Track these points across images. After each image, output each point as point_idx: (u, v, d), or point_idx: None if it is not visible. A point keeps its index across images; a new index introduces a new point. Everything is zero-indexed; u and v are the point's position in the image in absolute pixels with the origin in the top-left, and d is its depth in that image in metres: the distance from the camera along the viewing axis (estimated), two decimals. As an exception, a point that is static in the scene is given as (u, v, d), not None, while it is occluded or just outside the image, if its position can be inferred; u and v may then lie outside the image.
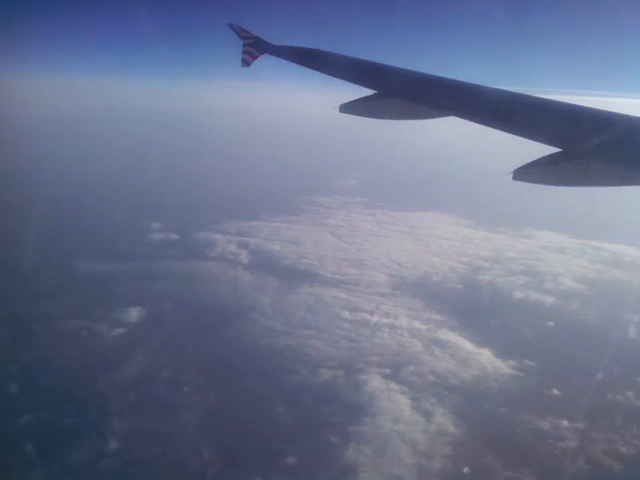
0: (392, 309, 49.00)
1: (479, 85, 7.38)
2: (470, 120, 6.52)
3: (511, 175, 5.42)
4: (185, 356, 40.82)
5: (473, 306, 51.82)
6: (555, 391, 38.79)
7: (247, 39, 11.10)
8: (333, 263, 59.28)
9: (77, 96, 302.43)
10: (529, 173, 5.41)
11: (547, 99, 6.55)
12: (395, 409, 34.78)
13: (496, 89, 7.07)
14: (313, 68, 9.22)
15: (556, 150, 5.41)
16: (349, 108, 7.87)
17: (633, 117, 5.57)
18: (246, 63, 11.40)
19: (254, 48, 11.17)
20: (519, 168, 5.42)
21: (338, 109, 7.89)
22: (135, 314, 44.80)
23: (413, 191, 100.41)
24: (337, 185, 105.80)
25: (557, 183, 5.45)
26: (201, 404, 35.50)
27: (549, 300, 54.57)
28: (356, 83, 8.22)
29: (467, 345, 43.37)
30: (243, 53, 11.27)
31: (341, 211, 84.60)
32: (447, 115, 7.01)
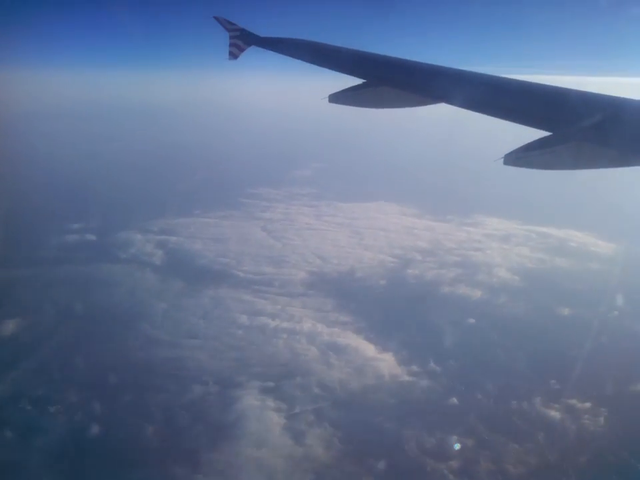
0: (299, 310, 45.00)
1: (467, 71, 7.37)
2: (459, 106, 6.52)
3: (502, 160, 5.35)
4: (58, 372, 36.75)
5: (393, 304, 48.09)
6: (454, 400, 34.84)
7: (233, 31, 11.08)
8: (251, 262, 55.19)
9: (53, 90, 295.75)
10: (519, 157, 5.31)
11: (535, 83, 6.58)
12: (263, 431, 30.81)
13: (484, 75, 7.11)
14: (300, 59, 9.12)
15: (546, 134, 5.39)
16: (338, 98, 7.77)
17: (621, 98, 5.60)
18: (233, 55, 11.36)
19: (241, 40, 11.13)
20: (509, 153, 5.32)
21: (327, 99, 7.76)
22: (10, 326, 40.47)
23: (369, 180, 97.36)
24: (292, 175, 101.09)
25: (548, 166, 5.41)
26: (64, 426, 31.60)
27: (476, 294, 50.36)
28: (344, 72, 8.11)
29: (369, 350, 39.48)
30: (230, 45, 11.22)
31: (282, 203, 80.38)
32: (437, 102, 7.02)
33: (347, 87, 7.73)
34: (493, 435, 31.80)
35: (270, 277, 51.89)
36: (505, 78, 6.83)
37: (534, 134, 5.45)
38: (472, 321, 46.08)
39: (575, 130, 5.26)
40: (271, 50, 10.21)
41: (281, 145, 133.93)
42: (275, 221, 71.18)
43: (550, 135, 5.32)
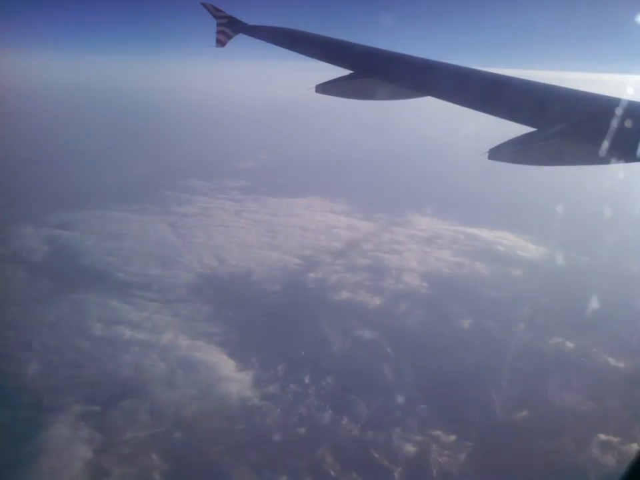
0: (166, 319, 40.17)
1: (455, 65, 7.46)
2: (446, 100, 6.53)
3: (486, 154, 5.45)
4: None
5: (280, 311, 43.82)
6: (301, 430, 30.17)
7: (220, 18, 11.25)
8: (139, 261, 50.28)
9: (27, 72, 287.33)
10: (503, 152, 5.46)
11: (521, 79, 6.55)
12: (59, 469, 25.72)
13: (471, 69, 7.27)
14: (288, 48, 9.20)
15: (531, 129, 5.47)
16: (325, 88, 7.90)
17: (606, 96, 5.60)
18: (220, 43, 11.46)
19: (228, 28, 11.32)
20: (493, 147, 5.46)
21: (314, 89, 7.90)
22: None
23: (311, 174, 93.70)
24: (233, 167, 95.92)
25: (531, 162, 5.55)
26: None
27: (375, 302, 45.78)
28: (332, 62, 8.19)
29: (227, 368, 34.93)
30: (217, 32, 11.37)
31: (206, 197, 75.48)
32: (424, 95, 7.04)
33: (334, 78, 7.76)
34: (339, 475, 27.12)
35: (151, 279, 47.05)
36: (492, 73, 6.87)
37: (519, 129, 5.53)
38: (362, 332, 41.45)
39: (560, 126, 5.37)
40: (259, 38, 10.10)
41: (240, 134, 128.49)
42: (189, 216, 66.33)
43: (535, 131, 5.45)
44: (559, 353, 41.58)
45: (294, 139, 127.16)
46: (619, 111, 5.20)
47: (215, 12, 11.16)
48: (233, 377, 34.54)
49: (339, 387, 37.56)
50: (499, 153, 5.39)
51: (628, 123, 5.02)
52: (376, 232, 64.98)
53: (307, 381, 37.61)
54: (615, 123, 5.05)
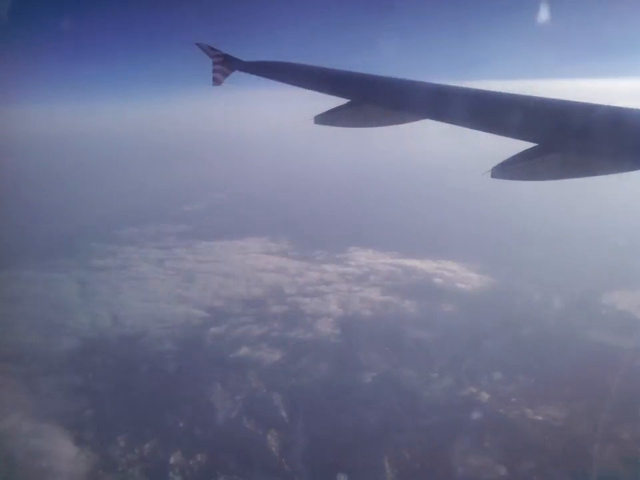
0: (20, 397, 35.00)
1: (449, 86, 7.45)
2: (443, 121, 6.57)
3: (489, 172, 5.48)
4: None
5: (167, 376, 39.12)
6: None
7: (216, 57, 11.31)
8: (22, 328, 45.49)
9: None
10: (506, 170, 5.45)
11: (517, 95, 6.55)
12: None
13: (467, 88, 7.19)
14: (284, 81, 9.26)
15: (531, 145, 5.48)
16: (324, 119, 7.93)
17: (605, 106, 5.53)
18: (217, 81, 11.52)
19: (224, 66, 11.35)
20: (496, 165, 5.49)
21: (313, 120, 7.93)
22: None
23: (261, 212, 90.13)
24: (179, 210, 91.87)
25: (535, 177, 5.54)
26: None
27: (275, 357, 40.70)
28: (328, 93, 8.18)
29: (65, 456, 29.37)
30: (214, 71, 11.43)
31: (135, 246, 71.09)
32: (421, 118, 7.09)
33: (332, 108, 7.82)
34: None
35: (25, 349, 42.06)
36: (487, 91, 6.88)
37: (513, 147, 5.47)
38: (254, 394, 36.71)
39: (561, 140, 5.37)
40: (255, 74, 10.26)
41: (210, 172, 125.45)
42: (104, 270, 61.65)
43: (536, 146, 5.42)
44: (473, 404, 36.04)
45: (266, 174, 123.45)
46: (620, 120, 5.24)
47: (210, 51, 11.23)
48: (62, 470, 29.04)
49: (209, 466, 32.36)
50: (501, 170, 5.42)
51: (630, 132, 5.08)
52: (306, 272, 60.26)
53: (172, 460, 32.44)
54: (616, 133, 5.14)
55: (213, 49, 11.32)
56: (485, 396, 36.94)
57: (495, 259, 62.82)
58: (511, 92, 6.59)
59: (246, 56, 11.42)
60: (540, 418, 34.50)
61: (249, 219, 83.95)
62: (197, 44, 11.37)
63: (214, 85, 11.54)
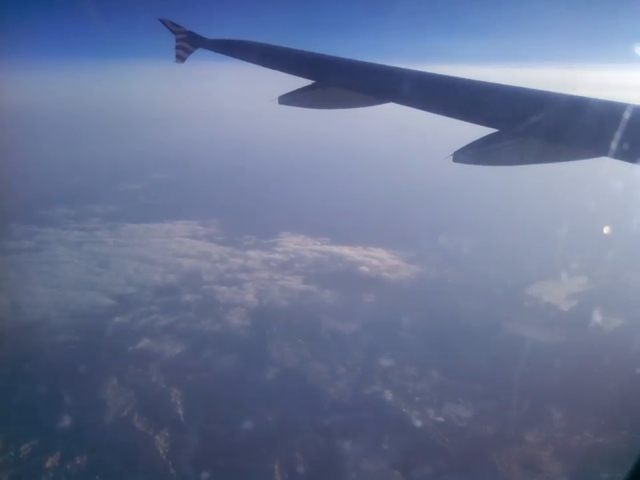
0: None
1: (415, 70, 7.49)
2: (408, 105, 6.59)
3: (451, 157, 5.52)
4: None
5: (58, 370, 37.50)
6: None
7: (179, 33, 11.15)
8: None
9: None
10: (467, 154, 5.54)
11: (481, 82, 6.65)
12: None
13: (432, 74, 7.25)
14: (248, 61, 9.30)
15: (492, 131, 5.58)
16: (288, 99, 7.89)
17: (563, 94, 5.70)
18: (180, 58, 11.41)
19: (187, 42, 11.18)
20: (458, 150, 5.55)
21: (277, 100, 7.84)
22: None
23: (195, 194, 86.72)
24: (115, 189, 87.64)
25: (495, 162, 5.59)
26: None
27: (176, 350, 38.31)
28: (293, 73, 8.27)
29: None
30: (177, 48, 11.26)
31: (55, 228, 67.10)
32: (386, 101, 7.09)
33: (296, 89, 7.78)
34: None
35: None
36: (451, 77, 7.00)
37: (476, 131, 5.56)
38: (150, 391, 34.35)
39: (522, 126, 5.43)
40: (219, 52, 10.22)
41: (155, 151, 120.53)
42: (15, 253, 57.87)
43: (497, 132, 5.56)
44: (378, 403, 34.39)
45: (215, 154, 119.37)
46: (579, 109, 5.50)
47: (173, 27, 11.15)
48: None
49: (89, 469, 29.93)
50: (463, 155, 5.51)
51: (588, 120, 5.23)
52: (229, 258, 57.85)
53: (48, 464, 29.92)
54: (575, 120, 5.36)
55: (176, 25, 11.11)
56: (390, 394, 35.03)
57: (429, 247, 61.48)
58: (477, 79, 6.58)
59: (210, 33, 11.11)
60: (441, 419, 32.81)
61: (184, 200, 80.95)
62: (160, 20, 11.13)
63: (176, 61, 11.33)
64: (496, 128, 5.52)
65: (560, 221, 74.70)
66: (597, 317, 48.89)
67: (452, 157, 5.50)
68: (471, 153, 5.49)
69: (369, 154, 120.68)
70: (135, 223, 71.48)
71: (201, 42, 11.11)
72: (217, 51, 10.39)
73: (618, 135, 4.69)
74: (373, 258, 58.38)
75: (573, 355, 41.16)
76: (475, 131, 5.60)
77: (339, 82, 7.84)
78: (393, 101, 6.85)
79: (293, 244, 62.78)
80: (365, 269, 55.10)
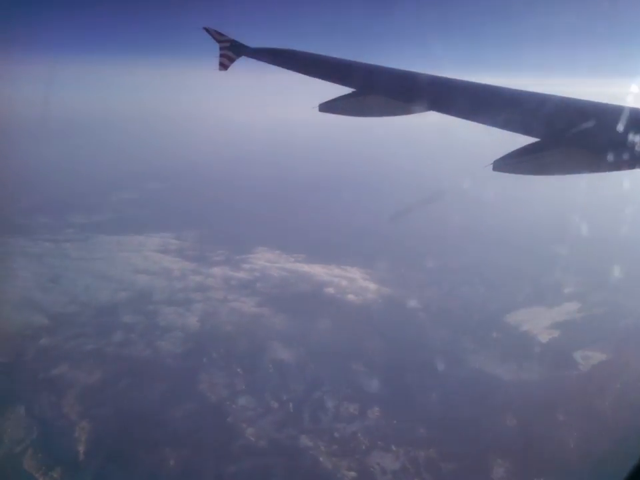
0: None
1: (455, 79, 7.64)
2: (448, 114, 6.68)
3: (491, 166, 5.54)
4: None
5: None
6: None
7: (223, 42, 11.46)
8: None
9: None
10: (508, 163, 5.55)
11: (522, 91, 6.74)
12: None
13: (471, 82, 7.44)
14: (290, 68, 9.44)
15: (533, 140, 5.57)
16: (329, 107, 8.02)
17: (606, 104, 5.71)
18: (223, 66, 11.72)
19: (231, 51, 11.47)
20: (498, 159, 5.55)
21: (317, 108, 7.97)
22: None
23: (186, 206, 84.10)
24: (109, 198, 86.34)
25: (536, 172, 5.60)
26: None
27: (90, 379, 35.49)
28: (334, 81, 8.33)
29: None
30: (220, 56, 11.58)
31: (24, 238, 65.31)
32: (426, 110, 7.16)
33: (337, 96, 7.86)
34: None
35: None
36: (492, 85, 7.08)
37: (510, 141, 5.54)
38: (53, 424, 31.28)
39: (563, 136, 5.43)
40: (262, 60, 10.39)
41: (159, 160, 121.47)
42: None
43: (538, 141, 5.51)
44: (292, 450, 30.79)
45: (222, 165, 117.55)
46: (621, 118, 5.29)
47: (217, 36, 11.38)
48: None
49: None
50: (503, 164, 5.49)
51: (632, 129, 5.10)
52: (189, 275, 54.89)
53: None
54: (618, 130, 5.15)
55: (220, 33, 11.31)
56: (308, 439, 31.33)
57: (410, 267, 57.48)
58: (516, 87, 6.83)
59: (253, 42, 11.40)
60: (353, 474, 28.86)
61: (170, 212, 78.69)
62: (204, 28, 11.33)
63: (220, 69, 11.51)
64: (537, 137, 5.50)
65: (563, 239, 69.86)
66: (576, 352, 44.12)
67: (492, 165, 5.52)
68: (512, 162, 5.50)
69: (384, 166, 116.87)
70: (110, 234, 69.45)
71: (243, 50, 11.23)
72: (259, 59, 10.50)
73: None
74: (344, 278, 54.67)
75: (535, 397, 36.76)
76: (515, 141, 5.57)
77: (379, 90, 7.94)
78: (432, 110, 6.90)
79: (264, 260, 59.62)
80: (330, 290, 51.45)
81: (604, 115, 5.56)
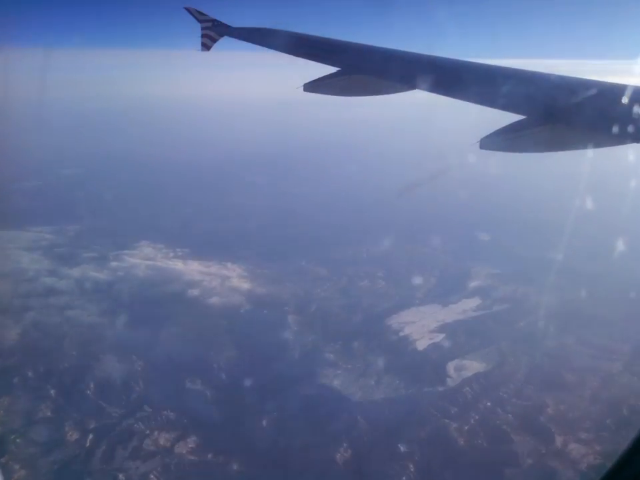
0: None
1: (441, 57, 7.64)
2: (434, 92, 6.63)
3: (478, 143, 5.54)
4: None
5: None
6: None
7: (204, 22, 11.45)
8: None
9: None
10: (495, 141, 5.54)
11: (508, 68, 6.76)
12: None
13: (457, 60, 7.50)
14: (274, 48, 9.43)
15: (519, 117, 5.59)
16: (313, 86, 8.03)
17: (593, 80, 5.73)
18: (205, 47, 11.63)
19: (213, 31, 11.52)
20: (485, 137, 5.53)
21: (302, 88, 8.01)
22: None
23: (88, 195, 77.09)
24: (12, 187, 79.82)
25: (523, 149, 5.65)
26: None
27: None
28: (319, 61, 8.34)
29: None
30: (202, 36, 11.53)
31: None
32: (411, 88, 7.20)
33: (322, 76, 7.88)
34: None
35: None
36: (477, 63, 7.06)
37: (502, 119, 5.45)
38: None
39: (549, 113, 5.41)
40: (244, 40, 10.51)
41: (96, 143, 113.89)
42: None
43: (525, 118, 5.48)
44: None
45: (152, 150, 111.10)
46: (607, 95, 5.41)
47: (199, 16, 11.37)
48: None
49: None
50: (490, 141, 5.46)
51: (617, 106, 5.15)
52: (40, 277, 48.69)
53: None
54: (604, 106, 5.30)
55: (201, 13, 11.43)
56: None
57: (313, 260, 53.50)
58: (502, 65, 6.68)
59: (235, 22, 11.43)
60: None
61: (65, 202, 72.12)
62: (185, 8, 11.51)
63: (202, 50, 11.60)
64: (524, 114, 5.46)
65: (497, 224, 64.66)
66: (452, 362, 38.73)
67: (479, 143, 5.42)
68: (499, 140, 5.42)
69: (347, 148, 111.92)
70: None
71: (226, 30, 11.36)
72: (242, 39, 10.69)
73: None
74: (218, 277, 49.18)
75: (382, 422, 31.46)
76: (502, 119, 5.47)
77: (364, 69, 8.05)
78: (418, 88, 6.91)
79: (140, 257, 54.04)
80: (194, 292, 45.76)
81: (590, 91, 5.58)
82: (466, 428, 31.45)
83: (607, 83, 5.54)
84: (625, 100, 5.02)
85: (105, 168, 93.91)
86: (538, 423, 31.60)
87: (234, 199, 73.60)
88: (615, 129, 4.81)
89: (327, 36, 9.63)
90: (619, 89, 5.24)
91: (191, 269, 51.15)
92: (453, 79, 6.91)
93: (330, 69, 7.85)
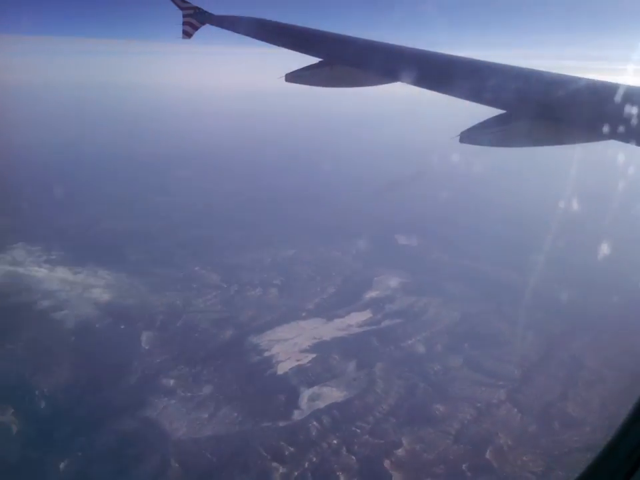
0: None
1: (423, 50, 7.47)
2: (416, 85, 6.61)
3: (458, 137, 5.49)
4: None
5: None
6: None
7: (186, 9, 11.36)
8: None
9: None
10: (475, 135, 5.53)
11: (490, 62, 6.60)
12: None
13: (440, 53, 7.28)
14: (256, 37, 9.40)
15: (500, 112, 5.54)
16: (295, 77, 8.01)
17: (573, 76, 5.74)
18: (187, 34, 11.53)
19: (194, 18, 11.47)
20: (465, 130, 5.50)
21: (283, 78, 7.98)
22: None
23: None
24: None
25: (503, 144, 5.64)
26: None
27: None
28: (301, 51, 8.26)
29: None
30: (183, 24, 11.44)
31: None
32: (393, 81, 7.18)
33: (304, 66, 7.83)
34: None
35: None
36: (459, 57, 6.91)
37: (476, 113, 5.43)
38: None
39: (530, 107, 5.38)
40: (226, 29, 10.39)
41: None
42: None
43: (506, 113, 5.44)
44: None
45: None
46: (588, 91, 5.36)
47: (181, 3, 11.22)
48: None
49: None
50: (470, 135, 5.45)
51: (595, 102, 5.15)
52: None
53: None
54: (584, 102, 5.23)
55: (183, 0, 11.22)
56: None
57: (210, 265, 50.94)
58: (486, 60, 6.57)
59: (217, 9, 11.14)
60: None
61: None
62: None
63: (183, 37, 11.48)
64: (505, 109, 5.38)
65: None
66: (310, 389, 34.06)
67: (459, 137, 5.35)
68: (479, 134, 5.40)
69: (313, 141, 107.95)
70: None
71: (208, 18, 11.29)
72: (223, 27, 10.59)
73: (629, 118, 4.62)
74: (81, 286, 43.72)
75: (202, 466, 26.55)
76: (483, 113, 5.34)
77: (346, 60, 7.93)
78: (400, 81, 6.84)
79: (4, 262, 48.20)
80: (45, 303, 40.77)
81: (570, 87, 5.50)
82: (295, 474, 26.48)
83: (589, 79, 5.38)
84: (605, 96, 4.99)
85: (28, 159, 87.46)
86: (379, 469, 26.67)
87: (156, 196, 68.30)
88: (594, 126, 4.86)
89: (313, 27, 9.39)
90: (600, 86, 5.23)
91: (55, 276, 46.02)
92: (436, 72, 6.88)
93: (313, 60, 7.80)
